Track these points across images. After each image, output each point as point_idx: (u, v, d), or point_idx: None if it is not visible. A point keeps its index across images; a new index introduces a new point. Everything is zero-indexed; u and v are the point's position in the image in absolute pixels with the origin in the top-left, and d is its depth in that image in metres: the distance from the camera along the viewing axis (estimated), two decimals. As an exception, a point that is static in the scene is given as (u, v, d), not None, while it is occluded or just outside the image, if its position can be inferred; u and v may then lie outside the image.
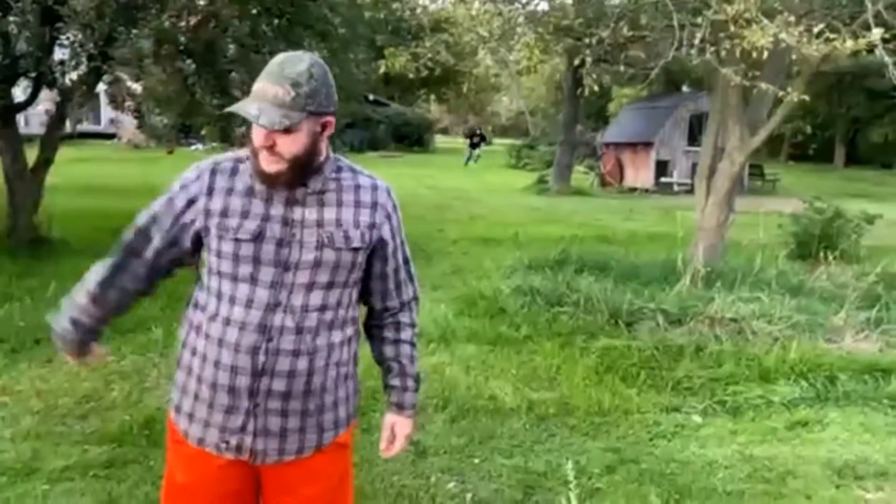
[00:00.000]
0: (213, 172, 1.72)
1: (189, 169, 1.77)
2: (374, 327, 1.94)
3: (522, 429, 4.01)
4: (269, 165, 1.63)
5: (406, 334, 1.92)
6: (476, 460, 3.61)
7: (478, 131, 31.85)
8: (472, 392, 4.43)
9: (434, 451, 3.68)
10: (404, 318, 1.92)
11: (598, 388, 4.57)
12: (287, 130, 1.58)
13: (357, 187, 1.76)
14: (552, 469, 3.50)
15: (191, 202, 1.72)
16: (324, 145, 1.70)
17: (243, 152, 1.76)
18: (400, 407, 1.93)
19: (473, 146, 30.53)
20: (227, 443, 1.72)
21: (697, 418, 4.25)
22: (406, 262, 1.90)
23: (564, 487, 3.23)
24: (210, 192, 1.70)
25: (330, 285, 1.70)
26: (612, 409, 4.28)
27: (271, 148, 1.60)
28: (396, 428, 1.93)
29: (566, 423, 4.10)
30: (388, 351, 1.92)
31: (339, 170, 1.76)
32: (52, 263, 7.14)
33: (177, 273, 1.84)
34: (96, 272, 1.81)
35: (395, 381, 1.92)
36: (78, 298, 1.82)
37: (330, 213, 1.70)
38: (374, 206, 1.76)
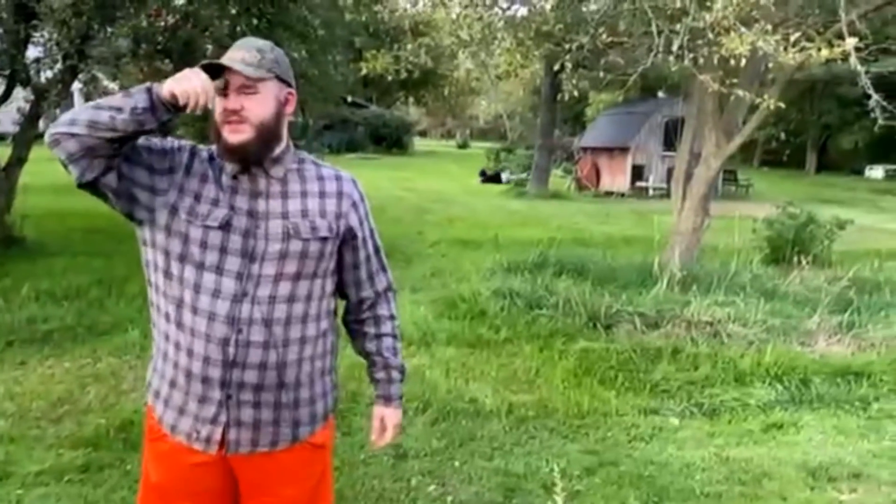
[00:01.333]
0: (193, 154, 1.72)
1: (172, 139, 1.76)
2: (353, 322, 1.94)
3: (502, 431, 4.02)
4: (235, 135, 1.64)
5: (387, 327, 1.93)
6: (456, 463, 3.62)
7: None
8: (453, 394, 4.44)
9: (414, 453, 3.68)
10: (383, 310, 1.93)
11: (577, 390, 4.60)
12: (254, 89, 1.63)
13: (320, 178, 1.78)
14: (532, 471, 3.51)
15: (172, 169, 1.68)
16: (285, 128, 1.73)
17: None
18: (387, 399, 1.95)
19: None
20: (198, 433, 1.72)
21: (675, 420, 4.29)
22: (377, 251, 1.90)
23: (544, 490, 3.27)
24: (188, 170, 1.70)
25: (298, 276, 1.70)
26: (591, 412, 4.31)
27: (238, 112, 1.62)
28: (386, 419, 1.95)
29: (545, 425, 4.12)
30: (371, 346, 1.93)
31: (301, 161, 1.78)
32: (25, 264, 7.03)
33: (103, 185, 1.61)
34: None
35: (381, 374, 1.94)
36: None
37: (295, 205, 1.71)
38: (339, 195, 1.78)
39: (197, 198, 1.67)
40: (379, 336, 1.92)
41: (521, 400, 4.43)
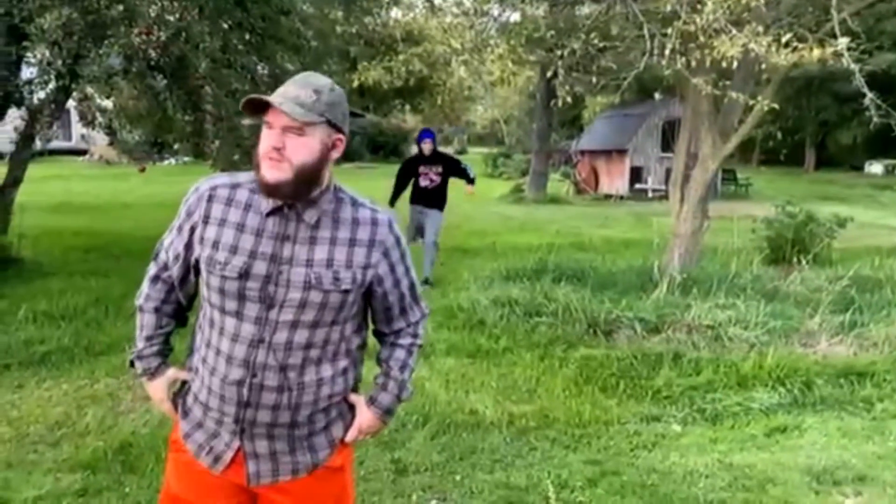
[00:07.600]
0: (210, 199, 1.71)
1: (191, 191, 1.76)
2: (381, 334, 1.94)
3: (503, 443, 3.99)
4: (273, 173, 1.60)
5: (404, 340, 1.90)
6: (457, 476, 3.58)
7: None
8: (453, 407, 4.41)
9: (415, 468, 3.64)
10: (409, 330, 1.92)
11: (578, 399, 4.57)
12: (301, 131, 1.58)
13: (355, 222, 1.71)
14: (533, 484, 3.48)
15: (193, 229, 1.73)
16: (328, 171, 1.67)
17: (242, 176, 1.73)
18: (371, 400, 1.88)
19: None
20: (211, 448, 1.74)
21: (677, 427, 4.26)
22: (411, 286, 1.86)
23: (546, 503, 3.23)
24: (206, 220, 1.70)
25: (315, 324, 1.68)
26: (592, 421, 4.27)
27: (280, 150, 1.58)
28: (357, 415, 1.86)
29: (546, 435, 4.09)
30: (384, 353, 1.91)
31: (338, 201, 1.72)
32: (22, 285, 7.00)
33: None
34: (145, 326, 1.85)
35: (379, 380, 1.91)
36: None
37: (321, 253, 1.67)
38: (370, 244, 1.72)
39: (215, 246, 1.67)
40: (394, 345, 1.90)
41: (521, 410, 4.40)
